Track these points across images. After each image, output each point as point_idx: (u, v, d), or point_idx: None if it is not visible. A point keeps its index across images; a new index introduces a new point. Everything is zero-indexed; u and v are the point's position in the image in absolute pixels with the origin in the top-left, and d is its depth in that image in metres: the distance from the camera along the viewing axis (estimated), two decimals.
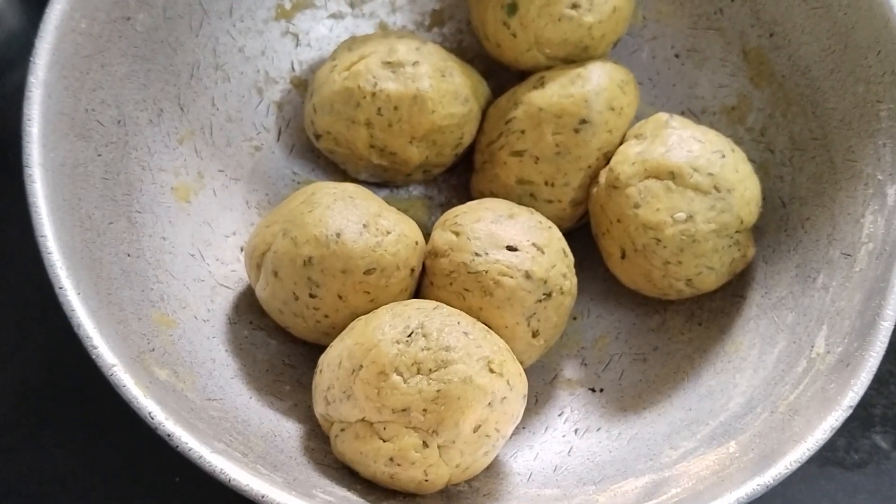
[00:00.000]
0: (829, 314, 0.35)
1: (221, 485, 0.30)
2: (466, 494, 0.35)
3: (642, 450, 0.36)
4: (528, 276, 0.36)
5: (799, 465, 0.30)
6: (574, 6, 0.40)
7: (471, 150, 0.43)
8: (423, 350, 0.33)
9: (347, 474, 0.34)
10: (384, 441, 0.32)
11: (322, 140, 0.42)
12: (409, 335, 0.33)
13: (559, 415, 0.39)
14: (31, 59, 0.33)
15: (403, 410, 0.32)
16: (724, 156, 0.38)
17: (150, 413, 0.29)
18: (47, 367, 0.41)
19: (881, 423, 0.42)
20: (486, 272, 0.36)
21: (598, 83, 0.40)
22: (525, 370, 0.38)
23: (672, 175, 0.37)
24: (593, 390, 0.40)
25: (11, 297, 0.42)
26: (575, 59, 0.41)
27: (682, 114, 0.44)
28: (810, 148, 0.40)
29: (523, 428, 0.38)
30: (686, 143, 0.38)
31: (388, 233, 0.36)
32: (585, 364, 0.41)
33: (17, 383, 0.41)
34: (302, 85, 0.45)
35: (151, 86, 0.39)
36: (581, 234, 0.42)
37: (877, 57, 0.37)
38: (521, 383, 0.34)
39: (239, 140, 0.43)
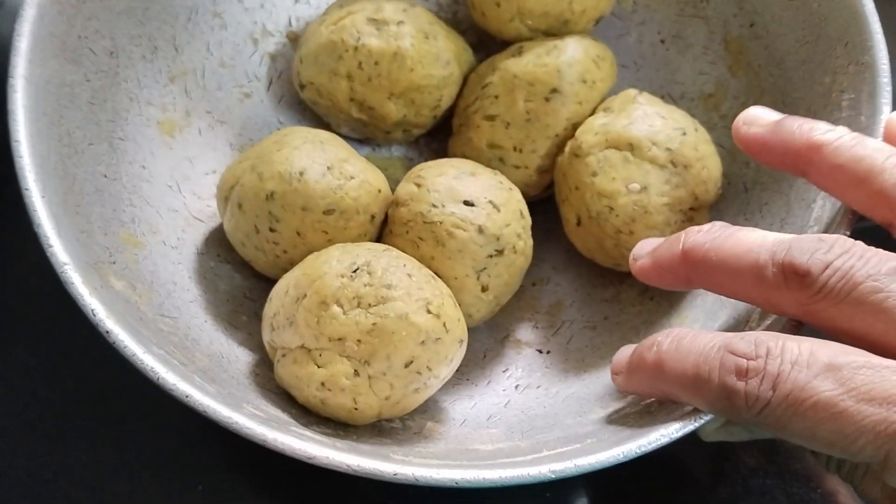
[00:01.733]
0: None
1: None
2: (398, 431, 0.36)
3: (574, 407, 0.37)
4: (480, 230, 0.37)
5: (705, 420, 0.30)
6: None
7: (452, 115, 0.45)
8: (365, 286, 0.34)
9: (287, 399, 0.35)
10: (318, 367, 0.34)
11: (306, 91, 0.43)
12: (355, 271, 0.34)
13: (503, 371, 0.40)
14: None
15: (339, 339, 0.33)
16: (685, 133, 0.39)
17: (92, 311, 0.31)
18: (74, 376, 0.42)
19: None
20: (441, 223, 0.37)
21: (573, 55, 0.41)
22: (476, 326, 0.40)
23: (631, 147, 0.38)
24: (540, 352, 0.41)
25: (38, 310, 0.44)
26: (555, 32, 0.42)
27: (662, 98, 0.44)
28: None
29: (467, 379, 0.40)
30: (649, 118, 0.39)
31: (352, 178, 0.38)
32: (537, 328, 0.42)
33: (45, 391, 0.42)
34: (297, 40, 0.47)
35: (148, 23, 0.41)
36: (549, 205, 0.43)
37: (844, 48, 0.38)
38: (458, 329, 0.35)
39: (230, 86, 0.45)
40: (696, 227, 0.33)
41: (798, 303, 0.29)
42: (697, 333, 0.30)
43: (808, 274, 0.28)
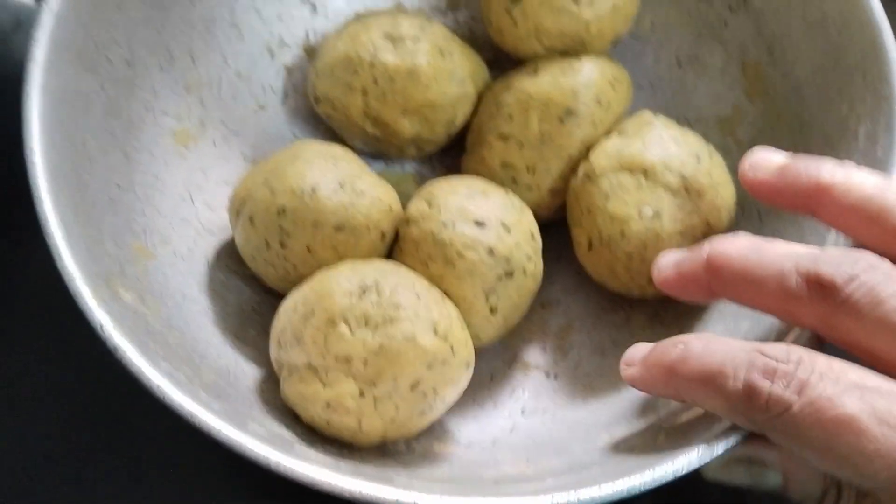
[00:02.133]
0: (779, 324, 0.35)
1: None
2: (403, 453, 0.36)
3: (580, 433, 0.37)
4: (491, 252, 0.37)
5: (712, 457, 0.30)
6: (575, 0, 0.41)
7: (466, 132, 0.45)
8: (373, 305, 0.34)
9: (292, 417, 0.35)
10: (324, 386, 0.34)
11: (320, 104, 0.43)
12: (363, 289, 0.34)
13: (510, 394, 0.40)
14: None
15: (346, 359, 0.33)
16: (699, 159, 0.38)
17: (100, 324, 0.31)
18: (92, 403, 0.42)
19: None
20: (451, 243, 0.37)
21: (589, 77, 0.41)
22: (483, 347, 0.39)
23: (645, 171, 0.38)
24: (548, 375, 0.41)
25: (56, 335, 0.43)
26: (572, 52, 0.42)
27: (677, 120, 0.44)
28: None
29: (473, 401, 0.39)
30: (664, 142, 0.39)
31: (364, 194, 0.38)
32: (546, 351, 0.42)
33: (62, 419, 0.42)
34: (313, 53, 0.47)
35: (165, 33, 0.41)
36: (562, 227, 0.43)
37: (863, 78, 0.37)
38: (465, 352, 0.35)
39: (245, 97, 0.45)
40: (721, 236, 0.33)
41: (820, 316, 0.29)
42: (730, 339, 0.31)
43: (833, 285, 0.28)
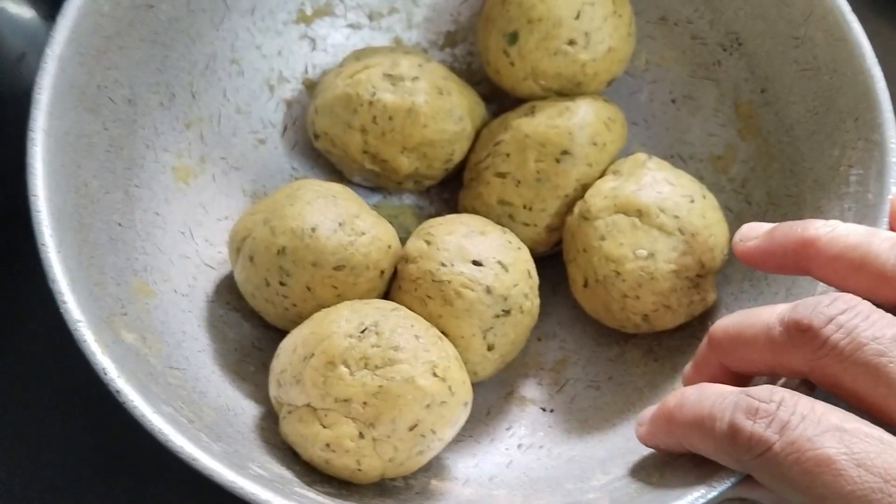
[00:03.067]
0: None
1: None
2: (401, 490, 0.37)
3: (575, 471, 0.37)
4: (488, 291, 0.38)
5: (708, 499, 0.31)
6: (571, 42, 0.41)
7: (464, 166, 0.45)
8: (372, 346, 0.34)
9: (291, 455, 0.36)
10: (324, 427, 0.34)
11: (320, 140, 0.44)
12: (363, 331, 0.35)
13: (507, 429, 0.41)
14: (51, 34, 0.36)
15: (345, 401, 0.34)
16: (692, 201, 0.39)
17: (103, 369, 0.31)
18: (92, 433, 0.43)
19: None
20: (449, 282, 0.38)
21: (584, 118, 0.41)
22: (481, 383, 0.40)
23: (639, 213, 0.39)
24: (544, 410, 0.41)
25: (56, 365, 0.44)
26: (568, 92, 0.43)
27: (671, 157, 0.45)
28: (784, 204, 0.41)
29: (469, 436, 0.40)
30: (658, 184, 0.39)
31: (363, 234, 0.38)
32: (541, 385, 0.42)
33: (63, 449, 0.42)
34: (313, 87, 0.47)
35: (166, 71, 0.42)
36: (558, 261, 0.43)
37: (854, 123, 0.38)
38: (463, 391, 0.36)
39: (245, 132, 0.45)
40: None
41: (805, 359, 0.30)
42: (722, 385, 0.31)
43: (810, 328, 0.29)
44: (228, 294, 0.42)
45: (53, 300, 0.32)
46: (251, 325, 0.41)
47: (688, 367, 0.36)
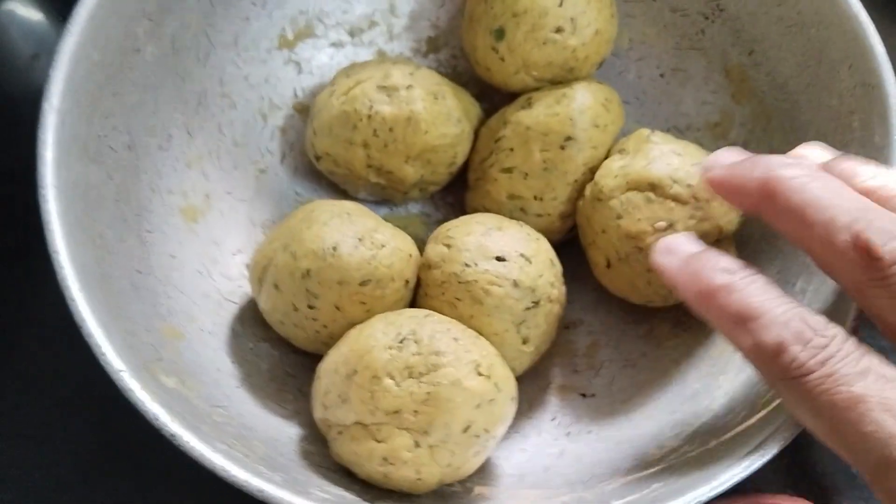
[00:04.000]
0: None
1: None
2: (460, 494, 0.37)
3: (629, 450, 0.37)
4: (516, 284, 0.38)
5: (774, 454, 0.31)
6: (558, 30, 0.42)
7: (465, 168, 0.45)
8: (414, 355, 0.34)
9: (345, 476, 0.36)
10: (378, 442, 0.34)
11: (322, 161, 0.44)
12: (401, 341, 0.35)
13: (551, 419, 0.41)
14: (46, 86, 0.36)
15: (396, 412, 0.34)
16: None
17: (155, 415, 0.31)
18: (100, 430, 0.43)
19: None
20: (476, 282, 0.38)
21: (583, 102, 0.41)
22: (518, 377, 0.40)
23: (652, 187, 0.39)
24: (584, 395, 0.42)
25: (65, 361, 0.44)
26: (561, 80, 0.43)
27: (668, 130, 0.45)
28: None
29: (516, 432, 0.40)
30: (666, 156, 0.40)
31: (383, 246, 0.38)
32: (577, 371, 0.43)
33: (72, 446, 0.42)
34: (304, 110, 0.47)
35: (161, 113, 0.42)
36: (573, 248, 0.44)
37: (848, 71, 0.39)
38: (509, 386, 0.36)
39: (245, 163, 0.45)
40: (778, 158, 0.32)
41: (855, 279, 0.29)
42: (776, 290, 0.30)
43: (881, 259, 0.28)
44: (253, 326, 0.41)
45: (62, 300, 0.33)
46: (281, 354, 0.41)
47: (718, 167, 0.33)
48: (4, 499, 0.41)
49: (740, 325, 0.29)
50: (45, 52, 0.47)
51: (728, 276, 0.30)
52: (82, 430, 0.43)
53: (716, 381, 0.38)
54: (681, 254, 0.32)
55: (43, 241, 0.34)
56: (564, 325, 0.44)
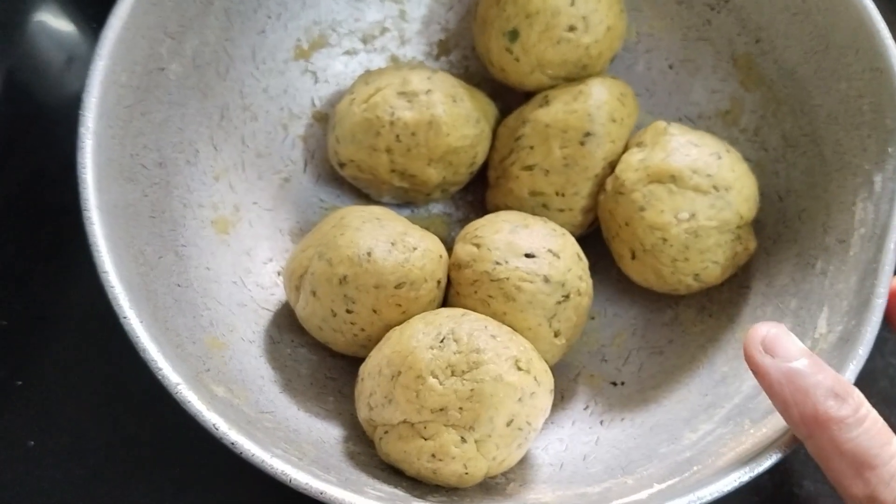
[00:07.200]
0: (829, 297, 0.38)
1: None
2: (503, 486, 0.38)
3: (664, 435, 0.39)
4: (546, 280, 0.39)
5: None
6: (571, 28, 0.43)
7: (484, 167, 0.47)
8: (455, 353, 0.35)
9: (392, 474, 0.37)
10: (426, 439, 0.35)
11: (346, 168, 0.45)
12: (442, 340, 0.36)
13: (584, 408, 0.42)
14: (80, 111, 0.36)
15: (441, 410, 0.35)
16: (720, 157, 0.41)
17: (214, 425, 0.32)
18: (136, 420, 0.43)
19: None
20: (508, 279, 0.39)
21: (599, 98, 0.43)
22: (550, 368, 0.41)
23: (673, 178, 0.40)
24: (615, 384, 0.43)
25: (100, 354, 0.45)
26: (575, 76, 0.44)
27: (679, 120, 0.47)
28: (801, 144, 0.43)
29: (552, 423, 0.41)
30: (684, 147, 0.41)
31: (415, 249, 0.39)
32: (606, 360, 0.44)
33: (107, 435, 0.43)
34: (323, 119, 0.48)
35: (187, 129, 0.43)
36: (593, 240, 0.45)
37: (856, 55, 0.40)
38: (547, 379, 0.37)
39: (269, 174, 0.46)
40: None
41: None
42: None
43: None
44: (290, 332, 0.42)
45: (101, 292, 0.34)
46: (319, 358, 0.42)
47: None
48: (42, 488, 0.42)
49: (854, 471, 0.29)
50: (78, 58, 0.49)
51: (839, 405, 0.30)
52: (117, 422, 0.43)
53: (743, 363, 0.39)
54: (783, 358, 0.32)
55: (76, 238, 0.35)
56: (591, 317, 0.45)
